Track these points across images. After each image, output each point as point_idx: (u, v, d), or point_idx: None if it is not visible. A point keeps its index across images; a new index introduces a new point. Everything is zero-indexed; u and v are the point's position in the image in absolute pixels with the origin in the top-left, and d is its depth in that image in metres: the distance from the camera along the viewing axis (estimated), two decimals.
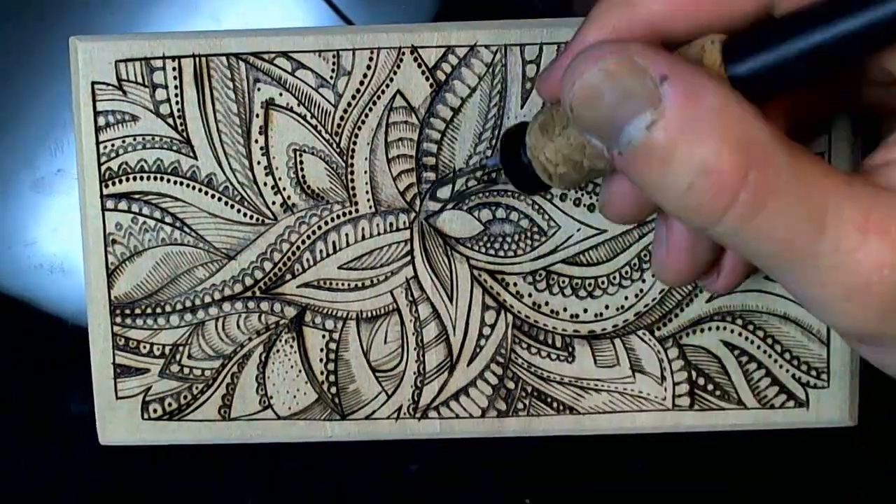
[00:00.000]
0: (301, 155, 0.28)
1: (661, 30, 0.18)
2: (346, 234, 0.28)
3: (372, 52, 0.28)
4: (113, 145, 0.28)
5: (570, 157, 0.21)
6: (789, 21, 0.18)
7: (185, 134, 0.28)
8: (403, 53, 0.28)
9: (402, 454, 0.34)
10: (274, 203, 0.28)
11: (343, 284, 0.29)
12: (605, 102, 0.17)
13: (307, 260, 0.29)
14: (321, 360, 0.29)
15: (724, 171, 0.16)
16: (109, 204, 0.28)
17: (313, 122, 0.28)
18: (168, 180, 0.28)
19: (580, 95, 0.18)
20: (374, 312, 0.29)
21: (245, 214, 0.28)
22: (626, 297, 0.29)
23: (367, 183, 0.28)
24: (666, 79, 0.16)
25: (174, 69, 0.28)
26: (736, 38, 0.18)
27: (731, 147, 0.16)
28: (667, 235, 0.23)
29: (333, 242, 0.28)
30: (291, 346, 0.29)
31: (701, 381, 0.29)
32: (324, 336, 0.29)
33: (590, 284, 0.29)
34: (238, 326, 0.29)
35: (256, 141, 0.28)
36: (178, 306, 0.29)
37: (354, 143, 0.28)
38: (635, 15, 0.18)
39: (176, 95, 0.28)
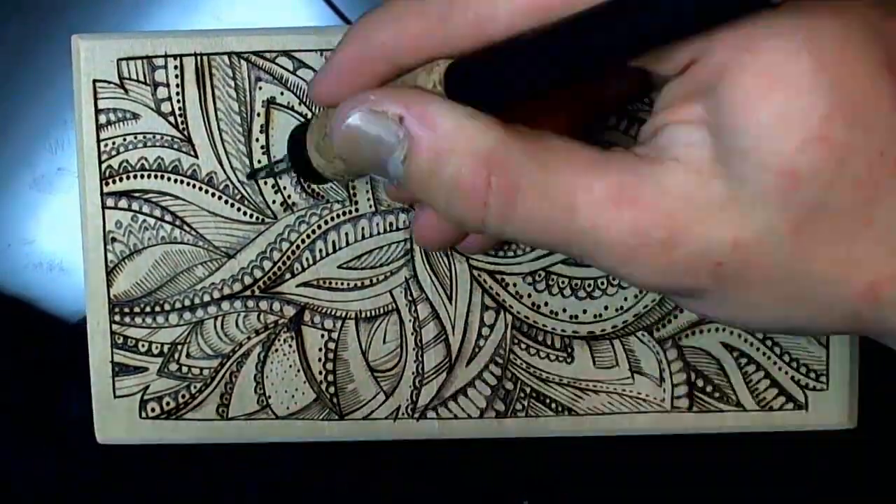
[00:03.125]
0: None
1: (393, 59, 0.20)
2: (346, 234, 0.28)
3: None
4: (114, 143, 0.28)
5: (353, 173, 0.24)
6: (505, 45, 0.19)
7: (186, 132, 0.28)
8: None
9: (401, 454, 0.33)
10: (274, 202, 0.28)
11: (342, 284, 0.29)
12: (363, 150, 0.20)
13: (307, 259, 0.29)
14: (320, 359, 0.29)
15: (468, 182, 0.19)
16: (109, 202, 0.28)
17: None
18: (169, 178, 0.28)
19: (343, 147, 0.20)
20: (373, 312, 0.29)
21: (245, 213, 0.28)
22: (626, 299, 0.29)
23: (367, 182, 0.28)
24: (403, 118, 0.19)
25: (176, 67, 0.28)
26: (460, 63, 0.20)
27: (469, 160, 0.18)
28: (423, 212, 0.26)
29: (333, 242, 0.28)
30: (290, 346, 0.29)
31: (700, 382, 0.29)
32: (323, 335, 0.29)
33: (589, 285, 0.29)
34: (237, 325, 0.29)
35: (257, 140, 0.28)
36: (178, 305, 0.29)
37: None
38: (370, 44, 0.20)
39: (177, 94, 0.28)
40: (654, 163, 0.18)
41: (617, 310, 0.29)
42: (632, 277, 0.19)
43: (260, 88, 0.28)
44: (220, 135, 0.28)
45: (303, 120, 0.28)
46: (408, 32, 0.20)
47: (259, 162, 0.28)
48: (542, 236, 0.19)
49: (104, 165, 0.28)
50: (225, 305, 0.29)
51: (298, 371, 0.29)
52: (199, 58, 0.28)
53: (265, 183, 0.28)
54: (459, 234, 0.26)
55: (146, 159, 0.28)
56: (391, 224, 0.28)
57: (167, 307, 0.29)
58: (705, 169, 0.18)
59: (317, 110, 0.28)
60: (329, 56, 0.22)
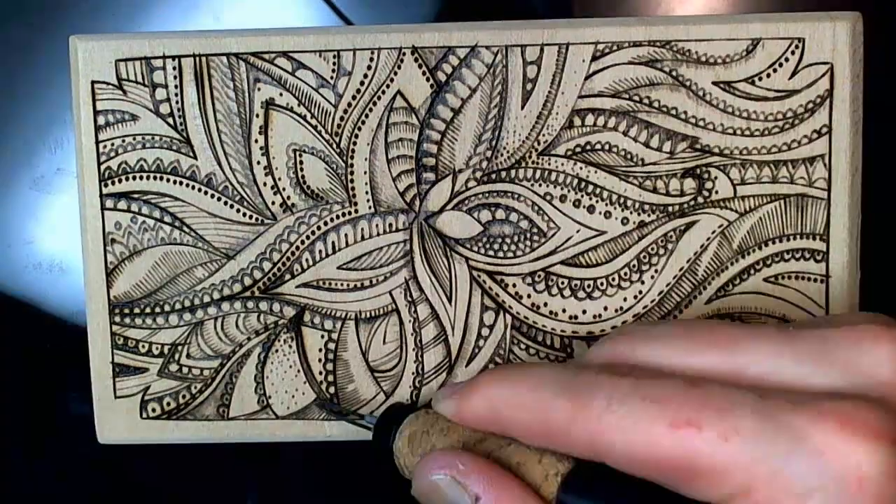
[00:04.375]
0: (301, 155, 0.28)
1: (518, 435, 0.22)
2: (346, 235, 0.28)
3: (372, 53, 0.28)
4: (112, 144, 0.28)
5: None
6: (628, 485, 0.20)
7: (184, 133, 0.28)
8: (404, 54, 0.28)
9: None
10: (273, 203, 0.28)
11: (342, 285, 0.29)
12: (436, 500, 0.22)
13: (306, 260, 0.29)
14: (320, 360, 0.29)
15: None
16: (109, 203, 0.28)
17: (313, 122, 0.28)
18: (167, 180, 0.28)
19: (419, 493, 0.23)
20: (372, 313, 0.29)
21: (244, 214, 0.28)
22: (625, 299, 0.29)
23: (366, 183, 0.28)
24: (479, 499, 0.21)
25: (174, 68, 0.28)
26: (582, 469, 0.21)
27: None
28: None
29: (333, 243, 0.28)
30: (290, 346, 0.29)
31: None
32: (322, 336, 0.29)
33: (589, 286, 0.29)
34: (237, 326, 0.29)
35: (256, 141, 0.28)
36: (178, 306, 0.29)
37: (354, 144, 0.28)
38: (498, 417, 0.22)
39: (176, 95, 0.28)
40: None
41: (616, 310, 0.29)
42: None
43: (259, 89, 0.28)
44: (219, 136, 0.28)
45: (302, 120, 0.28)
46: (529, 422, 0.21)
47: (258, 163, 0.28)
48: None
49: (103, 167, 0.28)
50: (225, 306, 0.29)
51: (298, 371, 0.29)
52: (197, 59, 0.28)
53: (264, 184, 0.28)
54: None
55: (145, 160, 0.28)
56: (391, 225, 0.28)
57: (167, 308, 0.29)
58: None
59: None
60: (463, 386, 0.23)
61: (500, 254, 0.28)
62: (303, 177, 0.28)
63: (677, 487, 0.19)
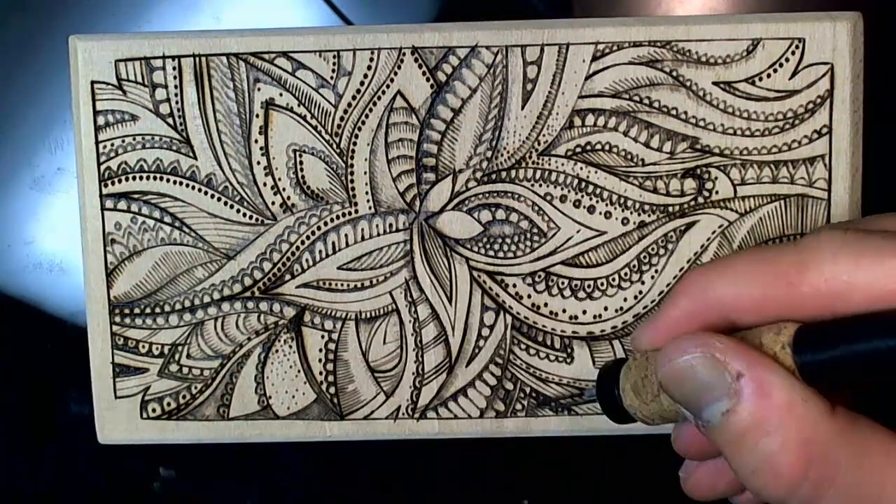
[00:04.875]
0: (301, 155, 0.28)
1: (728, 315, 0.21)
2: (346, 235, 0.28)
3: (372, 53, 0.28)
4: (112, 145, 0.28)
5: (665, 416, 0.23)
6: (863, 320, 0.19)
7: (184, 134, 0.28)
8: (404, 54, 0.28)
9: (401, 454, 0.34)
10: (273, 203, 0.28)
11: (342, 285, 0.29)
12: (689, 387, 0.20)
13: (306, 260, 0.29)
14: (320, 360, 0.29)
15: (786, 465, 0.19)
16: (109, 203, 0.28)
17: (313, 122, 0.28)
18: (167, 180, 0.28)
19: (669, 378, 0.21)
20: (373, 313, 0.29)
21: (244, 214, 0.28)
22: (626, 299, 0.29)
23: (366, 184, 0.28)
24: (742, 376, 0.19)
25: (174, 69, 0.28)
26: (808, 330, 0.19)
27: (793, 445, 0.18)
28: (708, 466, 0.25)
29: (333, 243, 0.28)
30: (290, 347, 0.29)
31: None
32: (323, 336, 0.29)
33: (589, 286, 0.29)
34: (237, 326, 0.29)
35: (256, 141, 0.28)
36: (178, 306, 0.29)
37: (354, 144, 0.28)
38: (706, 298, 0.21)
39: (176, 95, 0.28)
40: None
41: (617, 310, 0.29)
42: None
43: (259, 89, 0.28)
44: (219, 136, 0.28)
45: (302, 121, 0.28)
46: (751, 293, 0.20)
47: (258, 163, 0.28)
48: None
49: (103, 167, 0.28)
50: (225, 306, 0.29)
51: (299, 371, 0.29)
52: (197, 59, 0.28)
53: (264, 184, 0.28)
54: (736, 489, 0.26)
55: (145, 161, 0.28)
56: (391, 225, 0.28)
57: (167, 308, 0.29)
58: None
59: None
60: (660, 308, 0.22)
61: (501, 254, 0.28)
62: (303, 177, 0.28)
63: None
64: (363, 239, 0.28)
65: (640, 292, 0.29)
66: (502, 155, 0.28)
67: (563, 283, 0.29)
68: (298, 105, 0.28)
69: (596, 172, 0.28)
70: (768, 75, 0.27)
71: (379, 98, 0.28)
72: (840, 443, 0.18)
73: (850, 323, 0.19)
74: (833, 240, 0.19)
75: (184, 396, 0.29)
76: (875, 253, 0.18)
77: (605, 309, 0.29)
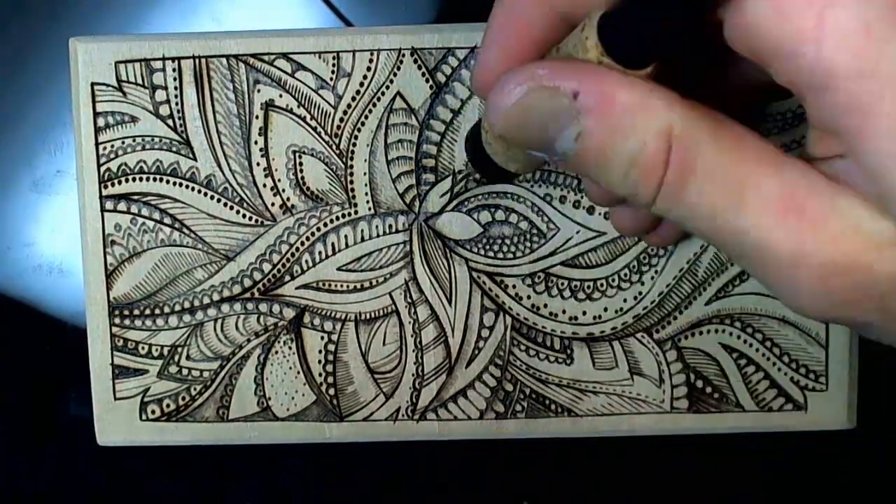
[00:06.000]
0: (300, 156, 0.28)
1: (559, 8, 0.19)
2: (346, 236, 0.28)
3: (372, 54, 0.28)
4: (112, 146, 0.28)
5: (522, 157, 0.22)
6: None
7: (184, 135, 0.28)
8: (403, 55, 0.28)
9: (401, 456, 0.33)
10: (273, 204, 0.28)
11: (342, 286, 0.29)
12: (531, 128, 0.18)
13: (306, 261, 0.29)
14: (320, 361, 0.29)
15: (647, 159, 0.18)
16: (108, 205, 0.28)
17: (313, 123, 0.28)
18: (167, 181, 0.28)
19: (507, 127, 0.19)
20: (372, 314, 0.29)
21: (244, 216, 0.28)
22: (625, 300, 0.29)
23: (366, 185, 0.28)
24: (578, 93, 0.18)
25: (174, 70, 0.28)
26: (608, 14, 0.18)
27: (651, 136, 0.17)
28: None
29: (332, 244, 0.28)
30: (290, 348, 0.29)
31: (699, 383, 0.29)
32: (322, 337, 0.29)
33: (588, 287, 0.29)
34: (237, 328, 0.29)
35: (256, 142, 0.28)
36: (177, 307, 0.29)
37: (354, 145, 0.28)
38: (519, 4, 0.19)
39: (176, 97, 0.28)
40: (832, 184, 0.17)
41: (616, 311, 0.29)
42: (792, 300, 0.18)
43: (258, 91, 0.28)
44: (219, 137, 0.28)
45: (302, 122, 0.28)
46: None
47: (258, 164, 0.28)
48: (706, 224, 0.18)
49: (103, 168, 0.28)
50: (225, 308, 0.29)
51: (298, 373, 0.29)
52: (197, 60, 0.28)
53: (264, 186, 0.28)
54: (653, 225, 0.25)
55: (145, 162, 0.28)
56: (390, 226, 0.28)
57: (167, 310, 0.29)
58: (884, 206, 0.17)
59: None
60: (487, 27, 0.20)
61: (500, 255, 0.28)
62: (302, 178, 0.28)
63: None
64: (363, 240, 0.28)
65: (640, 293, 0.29)
66: None
67: (562, 283, 0.29)
68: (298, 106, 0.28)
69: None
70: None
71: (378, 99, 0.28)
72: (699, 126, 0.17)
73: None
74: None
75: (183, 398, 0.29)
76: None
77: (605, 310, 0.29)
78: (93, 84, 0.28)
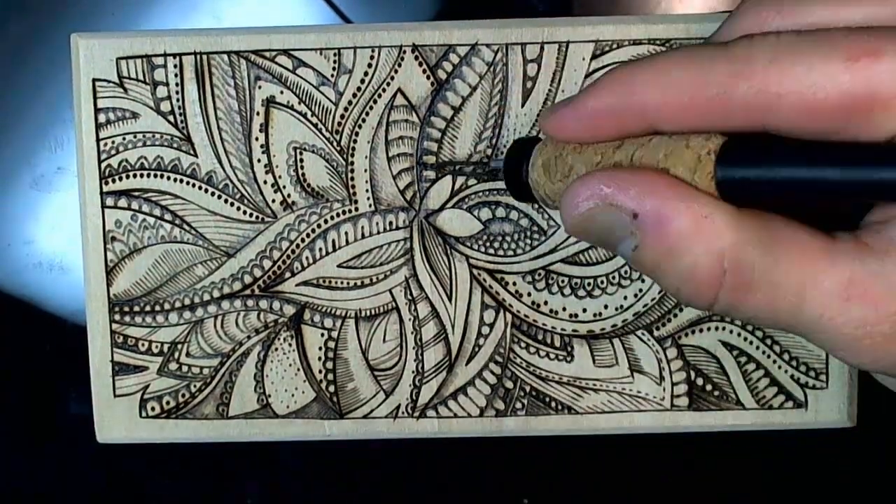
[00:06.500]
0: (301, 153, 0.28)
1: (651, 120, 0.20)
2: (346, 233, 0.28)
3: (373, 51, 0.28)
4: (113, 142, 0.28)
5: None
6: (790, 145, 0.18)
7: (185, 131, 0.28)
8: (405, 52, 0.28)
9: (401, 453, 0.33)
10: (274, 201, 0.28)
11: (342, 283, 0.29)
12: (595, 234, 0.20)
13: (306, 258, 0.29)
14: (320, 358, 0.29)
15: (703, 279, 0.19)
16: (109, 201, 0.28)
17: (314, 120, 0.28)
18: (168, 178, 0.28)
19: (575, 230, 0.21)
20: (373, 311, 0.29)
21: (245, 212, 0.28)
22: (626, 297, 0.29)
23: (367, 181, 0.28)
24: (637, 215, 0.19)
25: (175, 66, 0.28)
26: (735, 143, 0.19)
27: (704, 259, 0.19)
28: None
29: (333, 241, 0.28)
30: (290, 345, 0.29)
31: (699, 381, 0.29)
32: (322, 334, 0.29)
33: (589, 284, 0.29)
34: (237, 325, 0.29)
35: (257, 139, 0.28)
36: (177, 304, 0.29)
37: (355, 142, 0.28)
38: (630, 99, 0.20)
39: (177, 93, 0.28)
40: (883, 256, 0.18)
41: (617, 308, 0.29)
42: (849, 360, 0.19)
43: (259, 87, 0.28)
44: (220, 134, 0.28)
45: (303, 118, 0.28)
46: (678, 100, 0.19)
47: (259, 161, 0.28)
48: (768, 322, 0.20)
49: (104, 164, 0.28)
50: (225, 304, 0.29)
51: (298, 370, 0.29)
52: (198, 57, 0.28)
53: (265, 182, 0.28)
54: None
55: (146, 158, 0.28)
56: (391, 223, 0.28)
57: (167, 306, 0.29)
58: None
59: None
60: (579, 94, 0.21)
61: (501, 252, 0.28)
62: (303, 175, 0.28)
63: (850, 130, 0.18)
64: (363, 237, 0.28)
65: (641, 290, 0.29)
66: (502, 153, 0.28)
67: (563, 281, 0.29)
68: (299, 103, 0.28)
69: None
70: None
71: (379, 96, 0.28)
72: (751, 245, 0.19)
73: (777, 144, 0.18)
74: (766, 47, 0.18)
75: (183, 395, 0.29)
76: (806, 59, 0.18)
77: (605, 307, 0.29)
78: (94, 80, 0.28)
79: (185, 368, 0.29)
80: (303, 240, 0.28)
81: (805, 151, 0.18)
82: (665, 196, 0.19)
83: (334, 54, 0.28)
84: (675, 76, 0.19)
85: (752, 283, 0.19)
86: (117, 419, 0.29)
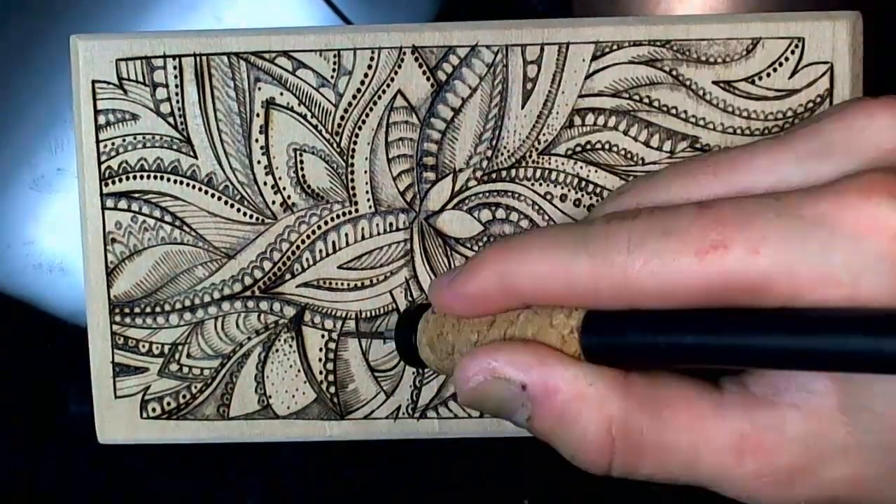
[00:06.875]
0: (301, 154, 0.28)
1: (527, 301, 0.20)
2: (346, 234, 0.28)
3: (373, 52, 0.28)
4: (113, 144, 0.28)
5: (452, 367, 0.22)
6: (653, 317, 0.18)
7: (185, 133, 0.28)
8: (404, 53, 0.28)
9: (401, 454, 0.33)
10: (274, 202, 0.28)
11: (342, 284, 0.29)
12: (489, 406, 0.21)
13: (307, 259, 0.29)
14: (320, 359, 0.29)
15: (592, 449, 0.19)
16: (109, 203, 0.28)
17: (314, 121, 0.28)
18: (168, 179, 0.28)
19: (469, 403, 0.21)
20: (373, 312, 0.29)
21: (245, 214, 0.28)
22: None
23: (367, 183, 0.28)
24: (525, 386, 0.19)
25: (175, 68, 0.28)
26: (597, 317, 0.19)
27: (592, 428, 0.19)
28: None
29: (333, 242, 0.28)
30: (290, 346, 0.29)
31: None
32: (323, 336, 0.29)
33: None
34: (237, 326, 0.29)
35: (257, 140, 0.28)
36: (178, 305, 0.29)
37: (355, 143, 0.28)
38: (505, 285, 0.20)
39: (176, 94, 0.28)
40: (772, 409, 0.18)
41: None
42: None
43: (259, 89, 0.28)
44: (220, 135, 0.28)
45: (303, 120, 0.28)
46: (548, 288, 0.19)
47: (259, 162, 0.28)
48: (668, 479, 0.20)
49: (103, 166, 0.28)
50: (225, 306, 0.29)
51: (299, 371, 0.29)
52: (198, 58, 0.28)
53: (265, 184, 0.28)
54: None
55: (145, 160, 0.28)
56: (391, 224, 0.28)
57: (167, 308, 0.29)
58: (826, 416, 0.18)
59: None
60: (459, 271, 0.21)
61: None
62: (303, 176, 0.28)
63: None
64: (363, 238, 0.28)
65: None
66: (502, 154, 0.28)
67: None
68: (299, 104, 0.28)
69: (596, 171, 0.28)
70: (768, 74, 0.27)
71: (379, 97, 0.28)
72: (637, 411, 0.19)
73: (635, 316, 0.19)
74: (620, 242, 0.18)
75: (184, 396, 0.29)
76: (658, 252, 0.18)
77: None
78: (93, 82, 0.28)
79: (185, 370, 0.29)
80: (303, 241, 0.28)
81: (666, 321, 0.18)
82: (550, 366, 0.19)
83: (334, 56, 0.28)
84: (543, 269, 0.19)
85: (643, 447, 0.19)
86: (118, 420, 0.29)
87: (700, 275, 0.17)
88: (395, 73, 0.28)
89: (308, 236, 0.28)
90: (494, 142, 0.28)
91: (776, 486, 0.18)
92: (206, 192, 0.28)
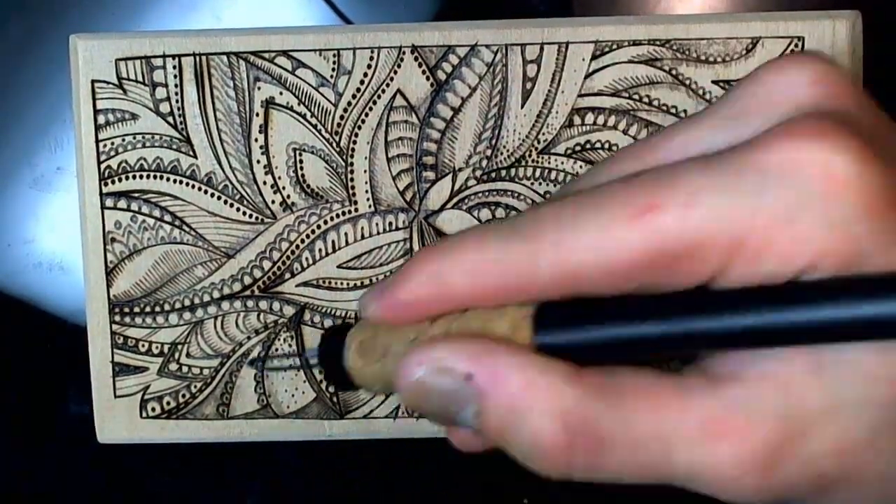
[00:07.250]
0: (301, 154, 0.28)
1: (465, 303, 0.19)
2: (346, 234, 0.28)
3: (372, 52, 0.28)
4: (112, 143, 0.28)
5: (386, 382, 0.21)
6: (604, 306, 0.18)
7: (184, 132, 0.28)
8: (404, 53, 0.28)
9: (401, 453, 0.34)
10: (273, 202, 0.28)
11: (342, 283, 0.29)
12: (432, 404, 0.19)
13: (306, 259, 0.29)
14: None
15: (549, 443, 0.17)
16: (109, 202, 0.28)
17: (313, 121, 0.28)
18: (167, 179, 0.28)
19: (409, 400, 0.19)
20: None
21: (244, 213, 0.28)
22: None
23: (366, 182, 0.28)
24: (471, 376, 0.18)
25: (174, 67, 0.28)
26: (549, 308, 0.18)
27: (547, 420, 0.17)
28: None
29: (333, 241, 0.29)
30: (290, 345, 0.29)
31: None
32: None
33: None
34: (237, 325, 0.29)
35: (256, 140, 0.28)
36: (177, 305, 0.29)
37: (354, 143, 0.28)
38: (440, 290, 0.19)
39: (176, 94, 0.28)
40: (738, 384, 0.17)
41: None
42: (733, 500, 0.18)
43: (259, 88, 0.28)
44: (219, 135, 0.28)
45: (302, 119, 0.28)
46: (485, 285, 0.18)
47: (258, 162, 0.28)
48: (638, 478, 0.18)
49: (103, 166, 0.28)
50: (225, 305, 0.29)
51: (299, 370, 0.29)
52: (197, 58, 0.28)
53: (264, 183, 0.28)
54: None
55: (145, 159, 0.28)
56: (390, 224, 0.28)
57: (167, 307, 0.29)
58: (797, 382, 0.17)
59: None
60: (392, 281, 0.20)
61: None
62: (303, 175, 0.28)
63: (665, 282, 0.17)
64: (363, 237, 0.28)
65: None
66: (502, 153, 0.28)
67: None
68: (298, 104, 0.28)
69: None
70: None
71: (379, 97, 0.28)
72: (594, 400, 0.17)
73: (590, 305, 0.18)
74: (550, 219, 0.18)
75: (183, 395, 0.29)
76: (592, 224, 0.17)
77: None
78: (93, 81, 0.28)
79: (185, 369, 0.29)
80: (302, 241, 0.28)
81: (618, 309, 0.18)
82: (498, 355, 0.18)
83: (333, 55, 0.28)
84: (477, 265, 0.18)
85: (605, 441, 0.17)
86: (118, 420, 0.29)
87: (638, 241, 0.17)
88: (395, 72, 0.28)
89: (308, 236, 0.28)
90: (494, 141, 0.28)
91: (757, 472, 0.17)
92: (206, 192, 0.28)
